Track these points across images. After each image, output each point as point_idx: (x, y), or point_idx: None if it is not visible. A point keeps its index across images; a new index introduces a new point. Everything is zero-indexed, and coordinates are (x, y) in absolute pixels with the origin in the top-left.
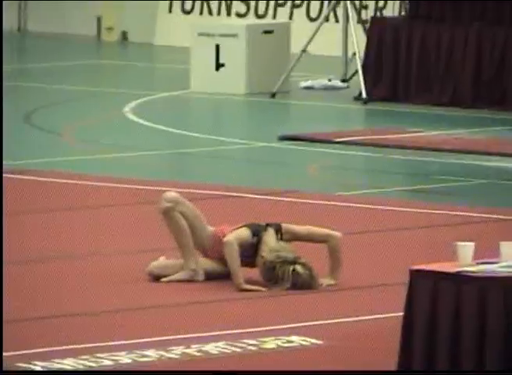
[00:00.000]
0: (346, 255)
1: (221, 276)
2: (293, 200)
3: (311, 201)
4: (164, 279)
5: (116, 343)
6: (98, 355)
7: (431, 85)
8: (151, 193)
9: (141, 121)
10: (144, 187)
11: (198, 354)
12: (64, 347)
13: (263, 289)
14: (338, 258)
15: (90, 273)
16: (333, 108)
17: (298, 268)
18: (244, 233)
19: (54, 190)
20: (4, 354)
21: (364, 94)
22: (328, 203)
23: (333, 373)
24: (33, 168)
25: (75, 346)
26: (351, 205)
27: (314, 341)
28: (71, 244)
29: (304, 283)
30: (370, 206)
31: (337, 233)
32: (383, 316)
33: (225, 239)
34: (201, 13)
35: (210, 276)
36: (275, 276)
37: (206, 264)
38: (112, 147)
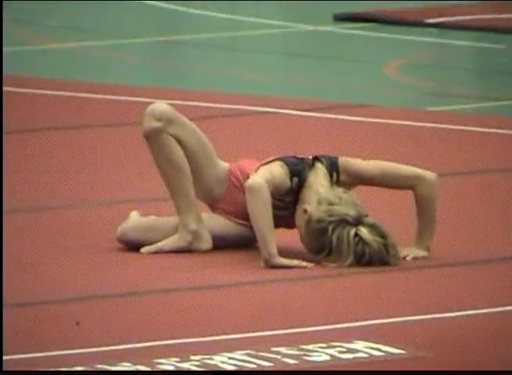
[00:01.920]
0: (442, 210)
1: (238, 243)
2: (361, 119)
3: (387, 121)
4: (144, 248)
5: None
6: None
7: None
8: (130, 106)
9: None
10: (119, 98)
11: (198, 369)
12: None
13: (307, 265)
14: (431, 217)
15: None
16: None
17: (364, 232)
18: (278, 172)
19: None
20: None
21: None
22: (416, 124)
23: None
24: None
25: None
26: (449, 126)
27: (391, 349)
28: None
29: (374, 256)
30: (482, 129)
31: (431, 175)
32: (497, 309)
33: (248, 182)
34: None
35: (220, 243)
36: (327, 243)
37: (214, 223)
38: (62, 32)
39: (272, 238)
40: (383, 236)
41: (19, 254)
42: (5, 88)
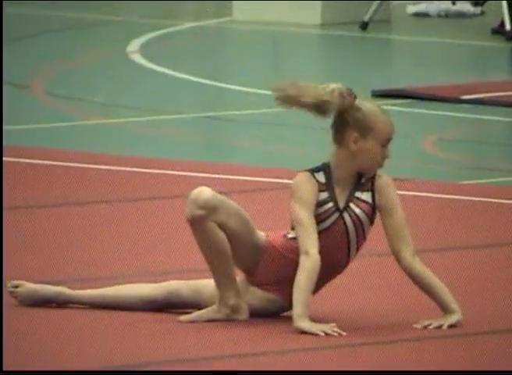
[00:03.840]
0: (468, 278)
1: (272, 313)
2: (399, 192)
3: (423, 194)
4: (183, 317)
5: None
6: None
7: None
8: (169, 180)
9: (154, 66)
10: (158, 172)
11: None
12: None
13: (333, 333)
14: (434, 283)
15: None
16: (459, 47)
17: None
18: (306, 196)
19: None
20: None
21: (508, 25)
22: (452, 197)
23: None
24: None
25: None
26: (484, 199)
27: None
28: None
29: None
30: None
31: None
32: None
33: (304, 253)
34: None
35: (256, 314)
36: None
37: (253, 295)
38: (108, 108)
39: (305, 302)
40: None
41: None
42: (52, 163)
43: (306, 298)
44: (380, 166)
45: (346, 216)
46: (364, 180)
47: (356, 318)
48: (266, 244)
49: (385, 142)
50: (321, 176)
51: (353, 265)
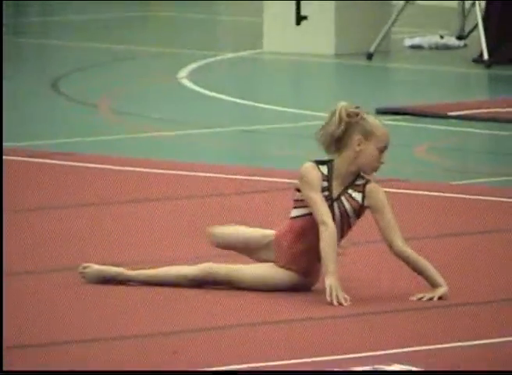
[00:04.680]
0: (461, 260)
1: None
2: (396, 191)
3: (418, 192)
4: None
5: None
6: None
7: None
8: (213, 181)
9: (200, 90)
10: (203, 175)
11: None
12: None
13: (344, 302)
14: (421, 262)
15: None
16: (447, 74)
17: None
18: (315, 181)
19: (97, 178)
20: None
21: (485, 56)
22: (441, 195)
23: None
24: (56, 148)
25: None
26: (470, 197)
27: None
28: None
29: None
30: (494, 198)
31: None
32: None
33: (322, 222)
34: None
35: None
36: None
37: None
38: (162, 123)
39: (335, 260)
40: None
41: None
42: (117, 168)
43: (335, 258)
44: (376, 169)
45: (335, 206)
46: (358, 182)
47: (361, 291)
48: (276, 237)
49: (383, 148)
50: (324, 169)
51: (359, 252)
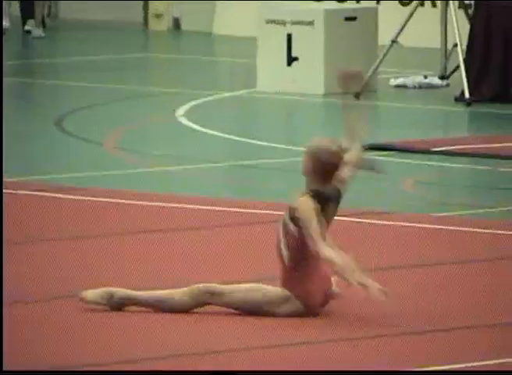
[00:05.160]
0: (456, 288)
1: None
2: (383, 222)
3: (404, 224)
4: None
5: None
6: None
7: None
8: (210, 214)
9: (197, 127)
10: (200, 208)
11: None
12: None
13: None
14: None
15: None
16: (430, 111)
17: None
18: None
19: (105, 212)
20: None
21: (467, 94)
22: (425, 226)
23: None
24: (61, 183)
25: None
26: (452, 228)
27: None
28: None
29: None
30: (474, 230)
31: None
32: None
33: (321, 256)
34: None
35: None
36: None
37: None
38: (162, 158)
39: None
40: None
41: None
42: (120, 201)
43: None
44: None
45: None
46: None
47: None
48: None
49: None
50: (316, 202)
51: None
